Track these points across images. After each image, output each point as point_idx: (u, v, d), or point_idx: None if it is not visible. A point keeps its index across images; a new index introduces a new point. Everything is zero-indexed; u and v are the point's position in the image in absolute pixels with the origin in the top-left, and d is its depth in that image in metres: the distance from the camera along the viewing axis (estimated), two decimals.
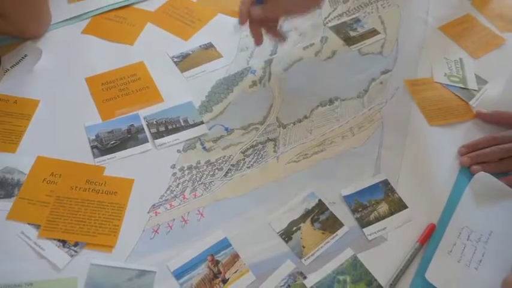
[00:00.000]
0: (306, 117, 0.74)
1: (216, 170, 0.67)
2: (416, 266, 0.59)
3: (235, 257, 0.58)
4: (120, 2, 0.87)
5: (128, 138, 0.68)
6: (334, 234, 0.61)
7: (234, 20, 0.82)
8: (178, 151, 0.68)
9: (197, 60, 0.80)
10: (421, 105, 0.76)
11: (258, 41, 0.73)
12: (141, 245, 0.59)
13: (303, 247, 0.60)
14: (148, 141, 0.69)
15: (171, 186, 0.64)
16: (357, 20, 0.89)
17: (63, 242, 0.58)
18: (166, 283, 0.56)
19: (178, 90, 0.75)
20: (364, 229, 0.62)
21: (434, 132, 0.73)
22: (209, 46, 0.82)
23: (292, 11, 0.72)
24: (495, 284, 0.56)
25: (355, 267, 0.59)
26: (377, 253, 0.60)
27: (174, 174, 0.66)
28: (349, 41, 0.86)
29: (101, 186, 0.63)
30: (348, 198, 0.65)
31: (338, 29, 0.87)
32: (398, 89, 0.78)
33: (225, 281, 0.57)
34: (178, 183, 0.65)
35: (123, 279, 0.56)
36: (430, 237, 0.61)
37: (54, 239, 0.58)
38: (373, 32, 0.87)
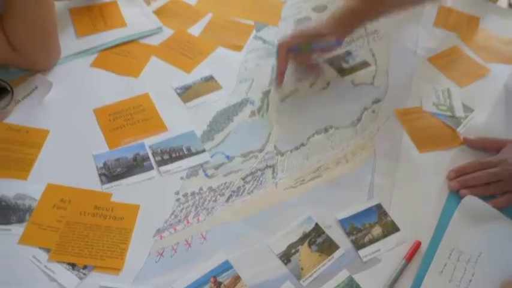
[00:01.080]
0: (302, 144, 0.78)
1: (218, 196, 0.70)
2: (409, 285, 0.62)
3: (237, 279, 0.61)
4: (126, 37, 0.91)
5: (134, 166, 0.72)
6: (331, 256, 0.64)
7: (234, 54, 0.88)
8: (182, 178, 0.71)
9: (199, 91, 0.84)
10: (411, 134, 0.81)
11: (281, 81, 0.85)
12: (147, 267, 0.62)
13: (302, 269, 0.63)
14: (153, 169, 0.72)
15: (175, 211, 0.67)
16: (349, 53, 0.94)
17: (73, 265, 0.61)
18: None
19: (181, 120, 0.79)
20: (359, 251, 0.65)
21: (424, 158, 0.77)
22: (210, 78, 0.87)
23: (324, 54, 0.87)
24: None
25: (351, 287, 0.62)
26: (372, 274, 0.63)
27: (178, 199, 0.69)
28: (342, 72, 0.90)
29: (108, 211, 0.66)
30: (343, 222, 0.68)
31: (331, 61, 0.92)
32: (389, 117, 0.83)
33: None
34: (182, 209, 0.68)
35: None
36: (415, 253, 0.64)
37: (64, 262, 0.61)
38: (365, 64, 0.92)
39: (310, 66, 0.88)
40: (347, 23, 0.84)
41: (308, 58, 0.87)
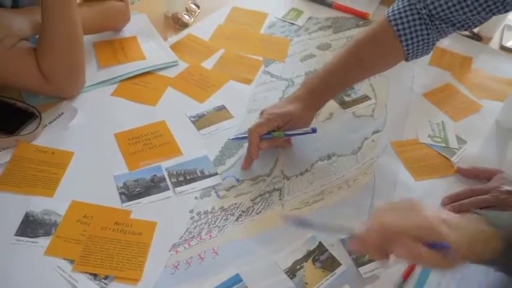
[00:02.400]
0: (307, 170, 0.84)
1: (229, 215, 0.75)
2: None
3: None
4: (144, 68, 0.99)
5: (152, 186, 0.78)
6: (333, 272, 0.69)
7: (244, 86, 0.94)
8: (196, 198, 0.77)
9: (211, 120, 0.90)
10: (407, 164, 0.86)
11: (247, 166, 0.82)
12: (163, 279, 0.66)
13: (306, 283, 0.68)
14: (169, 189, 0.77)
15: (189, 228, 0.73)
16: (351, 87, 1.01)
17: (95, 276, 0.65)
18: None
19: (195, 146, 0.85)
20: (359, 268, 0.70)
21: (420, 185, 0.83)
22: (222, 108, 0.93)
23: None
24: None
25: None
26: None
27: (192, 217, 0.74)
28: (344, 104, 0.97)
29: (127, 227, 0.72)
30: (345, 241, 0.73)
31: None
32: (387, 147, 0.89)
33: None
34: (196, 226, 0.73)
35: None
36: (411, 272, 0.69)
37: (87, 273, 0.66)
38: (365, 98, 0.99)
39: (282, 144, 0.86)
40: (319, 98, 0.84)
41: (277, 141, 0.84)
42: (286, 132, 0.82)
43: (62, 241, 0.69)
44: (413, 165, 0.86)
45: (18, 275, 0.64)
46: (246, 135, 0.81)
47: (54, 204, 0.73)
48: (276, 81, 1.02)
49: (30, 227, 0.70)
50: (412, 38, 0.82)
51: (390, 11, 0.84)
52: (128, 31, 1.07)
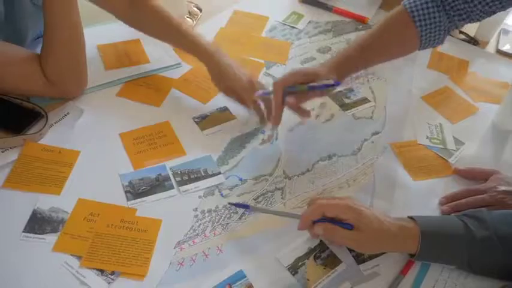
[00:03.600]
0: (308, 170, 0.86)
1: (232, 213, 0.77)
2: None
3: (250, 287, 0.67)
4: (149, 71, 1.01)
5: (157, 185, 0.79)
6: (334, 269, 0.71)
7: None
8: (200, 197, 0.79)
9: (214, 120, 0.92)
10: (406, 165, 0.88)
11: (278, 121, 0.85)
12: (168, 275, 0.68)
13: (307, 280, 0.69)
14: (174, 188, 0.79)
15: (193, 226, 0.74)
16: (351, 90, 1.03)
17: (101, 271, 0.67)
18: None
19: (198, 146, 0.87)
20: (360, 265, 0.72)
21: (419, 185, 0.85)
22: (225, 109, 0.95)
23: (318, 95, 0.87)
24: None
25: None
26: (371, 286, 0.70)
27: (196, 216, 0.76)
28: (344, 106, 0.99)
29: (133, 224, 0.73)
30: None
31: (335, 97, 1.01)
32: (386, 148, 0.91)
33: None
34: (200, 224, 0.75)
35: None
36: (410, 268, 0.71)
37: (94, 268, 0.67)
38: (365, 100, 1.01)
39: (302, 111, 0.87)
40: (342, 68, 0.87)
41: (302, 99, 0.85)
42: (310, 85, 0.81)
43: (69, 238, 0.70)
44: (412, 166, 0.88)
45: (27, 271, 0.66)
46: (271, 90, 0.84)
47: (61, 202, 0.75)
48: None
49: (38, 224, 0.71)
50: (425, 20, 0.85)
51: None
52: (131, 34, 1.08)
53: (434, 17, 0.85)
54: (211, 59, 0.92)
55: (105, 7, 0.95)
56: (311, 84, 0.81)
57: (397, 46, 0.91)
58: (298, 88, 0.82)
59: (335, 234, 0.68)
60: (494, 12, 0.83)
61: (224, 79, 0.90)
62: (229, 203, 0.78)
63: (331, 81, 0.82)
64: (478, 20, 0.86)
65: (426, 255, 0.70)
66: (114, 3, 0.94)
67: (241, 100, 0.91)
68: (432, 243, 0.68)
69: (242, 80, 0.89)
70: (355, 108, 0.99)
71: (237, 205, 0.77)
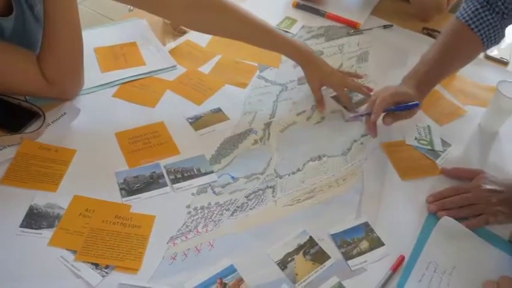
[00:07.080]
0: (299, 169, 0.88)
1: (224, 211, 0.79)
2: None
3: (240, 281, 0.69)
4: (144, 73, 1.03)
5: (151, 183, 0.81)
6: (323, 264, 0.73)
7: (239, 90, 0.97)
8: (193, 194, 0.81)
9: (208, 121, 0.94)
10: (395, 163, 0.91)
11: (375, 133, 0.94)
12: (161, 269, 0.70)
13: (296, 274, 0.71)
14: (167, 185, 0.81)
15: (186, 222, 0.76)
16: (351, 91, 1.05)
17: (96, 265, 0.69)
18: None
19: (192, 145, 0.89)
20: (348, 261, 0.74)
21: (406, 184, 0.87)
22: (218, 110, 0.97)
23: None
24: None
25: None
26: (359, 281, 0.72)
27: (189, 212, 0.78)
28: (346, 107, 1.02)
29: (127, 220, 0.75)
30: (334, 236, 0.77)
31: (338, 98, 1.03)
32: (375, 149, 0.93)
33: None
34: (193, 220, 0.77)
35: None
36: (400, 265, 0.73)
37: (89, 262, 0.69)
38: (365, 101, 1.03)
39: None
40: (423, 86, 0.96)
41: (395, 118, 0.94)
42: (400, 106, 0.92)
43: (64, 233, 0.72)
44: (400, 166, 0.90)
45: (24, 264, 0.68)
46: (361, 113, 0.97)
47: (57, 199, 0.76)
48: (270, 85, 1.06)
49: (34, 219, 0.73)
50: (481, 24, 0.95)
51: (458, 13, 0.99)
52: (128, 37, 1.11)
53: (488, 19, 0.95)
54: (311, 58, 1.02)
55: (160, 13, 1.01)
56: (402, 105, 0.92)
57: (465, 56, 1.01)
58: (392, 109, 0.92)
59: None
60: None
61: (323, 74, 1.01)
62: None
63: (416, 101, 0.92)
64: None
65: None
66: (171, 6, 0.95)
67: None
68: None
69: (340, 76, 1.02)
70: (344, 110, 1.02)
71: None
